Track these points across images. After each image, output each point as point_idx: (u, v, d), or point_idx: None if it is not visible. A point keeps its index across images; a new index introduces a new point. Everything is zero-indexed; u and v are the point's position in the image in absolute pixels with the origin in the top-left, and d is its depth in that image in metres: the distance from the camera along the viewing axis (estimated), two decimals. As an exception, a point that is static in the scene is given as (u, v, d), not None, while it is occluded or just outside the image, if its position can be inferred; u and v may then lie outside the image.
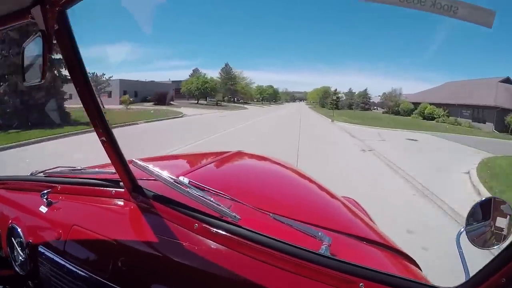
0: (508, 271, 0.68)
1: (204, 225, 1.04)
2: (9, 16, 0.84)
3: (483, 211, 0.94)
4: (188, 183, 1.14)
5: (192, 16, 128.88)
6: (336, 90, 73.87)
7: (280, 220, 1.06)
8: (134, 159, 1.20)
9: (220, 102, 50.88)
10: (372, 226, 1.46)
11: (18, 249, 1.30)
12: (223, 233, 1.01)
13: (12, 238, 1.33)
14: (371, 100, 75.87)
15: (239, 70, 76.95)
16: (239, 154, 2.29)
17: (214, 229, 1.02)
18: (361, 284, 0.84)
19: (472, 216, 0.97)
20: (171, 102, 43.79)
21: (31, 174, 1.60)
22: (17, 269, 1.32)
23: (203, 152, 2.42)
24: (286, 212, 1.16)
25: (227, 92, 70.14)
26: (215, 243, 1.01)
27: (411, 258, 1.24)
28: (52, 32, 0.78)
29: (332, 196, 1.75)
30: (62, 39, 0.82)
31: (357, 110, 70.09)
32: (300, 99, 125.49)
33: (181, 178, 1.16)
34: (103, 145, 1.05)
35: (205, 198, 1.04)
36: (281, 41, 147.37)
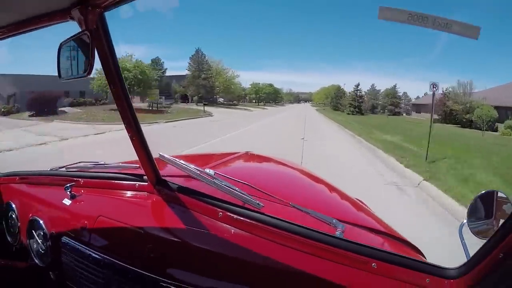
0: (505, 246, 0.74)
1: (229, 213, 1.07)
2: (48, 15, 0.92)
3: (485, 206, 0.94)
4: (214, 174, 1.20)
5: (193, 15, 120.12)
6: (359, 85, 52.66)
7: (299, 208, 1.15)
8: (161, 153, 1.24)
9: (157, 103, 30.83)
10: (379, 219, 1.51)
11: (39, 241, 1.34)
12: (247, 220, 1.05)
13: (33, 231, 1.36)
14: (401, 101, 55.88)
15: (217, 60, 57.72)
16: (249, 154, 2.34)
17: (239, 217, 1.06)
18: (373, 264, 0.90)
19: (474, 211, 0.96)
20: (64, 109, 23.92)
21: (51, 170, 1.63)
22: (36, 260, 1.36)
23: (212, 153, 2.55)
24: (303, 202, 1.24)
25: (199, 89, 50.15)
26: (239, 230, 1.05)
27: (416, 247, 1.29)
28: (94, 32, 0.83)
29: (342, 192, 1.81)
30: (99, 40, 0.85)
31: (384, 114, 50.53)
32: (305, 100, 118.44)
33: (207, 169, 1.23)
34: (131, 140, 1.09)
35: (230, 188, 1.11)
36: (285, 41, 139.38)
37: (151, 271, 1.04)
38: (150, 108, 29.29)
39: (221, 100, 71.04)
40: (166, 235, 1.10)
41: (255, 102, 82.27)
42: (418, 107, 50.65)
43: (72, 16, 0.86)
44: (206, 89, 51.25)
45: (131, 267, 1.07)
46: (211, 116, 29.29)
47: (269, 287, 0.98)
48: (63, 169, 1.61)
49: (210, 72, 53.63)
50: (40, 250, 1.34)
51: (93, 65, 0.83)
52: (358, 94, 52.52)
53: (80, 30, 0.86)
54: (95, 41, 0.84)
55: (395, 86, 55.83)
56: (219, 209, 1.09)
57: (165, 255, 1.08)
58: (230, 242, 1.03)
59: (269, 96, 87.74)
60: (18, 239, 1.50)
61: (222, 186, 1.11)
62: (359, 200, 1.86)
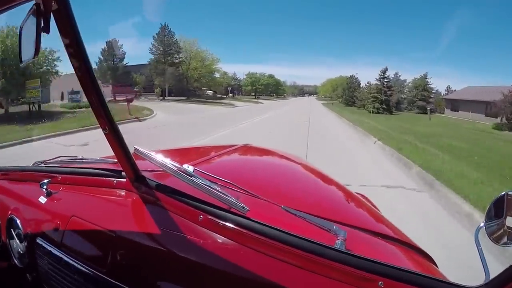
0: None
1: (210, 217, 0.96)
2: None
3: (496, 208, 0.91)
4: (193, 171, 1.06)
5: (197, 10, 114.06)
6: (386, 70, 40.10)
7: (292, 212, 1.02)
8: (136, 147, 1.11)
9: (38, 103, 16.14)
10: (386, 221, 1.39)
11: (17, 241, 1.28)
12: (230, 225, 0.93)
13: (11, 230, 1.31)
14: (432, 94, 43.80)
15: (190, 39, 44.66)
16: (247, 147, 2.20)
17: (221, 222, 0.95)
18: (380, 282, 0.78)
19: (489, 212, 0.94)
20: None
21: (34, 165, 1.60)
22: (16, 261, 1.30)
23: (210, 145, 2.44)
24: (298, 204, 1.09)
25: (167, 78, 37.99)
26: (221, 236, 0.94)
27: (427, 254, 1.20)
28: (49, 10, 0.72)
29: (344, 190, 1.67)
30: (61, 20, 0.75)
31: (412, 112, 38.55)
32: (310, 93, 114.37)
33: (185, 166, 1.09)
34: (105, 134, 0.99)
35: (211, 188, 0.97)
36: (290, 35, 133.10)
37: (123, 281, 0.96)
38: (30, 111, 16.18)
39: (209, 93, 60.20)
40: (141, 240, 1.00)
41: (252, 95, 70.78)
42: (455, 104, 38.71)
43: None
44: (176, 79, 39.47)
45: (102, 276, 0.99)
46: (153, 117, 17.64)
47: None
48: (43, 164, 1.56)
49: (181, 55, 41.73)
50: (19, 250, 1.28)
51: (40, 45, 0.72)
52: (386, 84, 39.50)
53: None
54: (56, 21, 0.73)
55: (425, 75, 43.52)
56: (199, 211, 0.98)
57: (139, 263, 0.98)
58: (211, 250, 0.92)
59: (268, 88, 76.74)
60: (0, 239, 1.40)
61: (201, 185, 0.98)
62: (362, 196, 1.76)
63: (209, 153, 1.88)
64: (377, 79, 40.97)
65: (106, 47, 36.88)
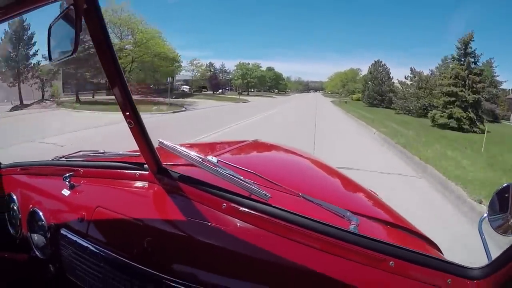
0: None
1: (233, 204, 1.00)
2: None
3: (500, 199, 0.94)
4: (217, 162, 1.11)
5: (201, 5, 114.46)
6: (472, 37, 23.02)
7: (310, 199, 1.07)
8: (161, 140, 1.14)
9: None
10: (394, 212, 1.43)
11: (39, 232, 1.31)
12: (253, 212, 0.97)
13: (33, 222, 1.34)
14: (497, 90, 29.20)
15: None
16: (258, 142, 2.27)
17: (243, 208, 0.98)
18: (391, 262, 0.83)
19: (493, 206, 0.96)
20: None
21: (54, 159, 1.62)
22: (37, 253, 1.33)
23: (222, 140, 2.87)
24: (314, 193, 1.16)
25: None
26: (244, 222, 0.97)
27: (433, 241, 1.23)
28: (81, 10, 0.77)
29: (354, 183, 1.71)
30: (90, 18, 0.80)
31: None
32: (315, 89, 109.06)
33: (209, 157, 1.13)
34: (130, 128, 1.02)
35: (235, 177, 1.01)
36: (295, 30, 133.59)
37: (150, 266, 0.99)
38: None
39: (185, 88, 46.36)
40: (166, 227, 1.04)
41: (243, 92, 56.72)
42: None
43: None
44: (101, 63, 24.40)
45: (129, 262, 1.02)
46: None
47: (275, 284, 0.90)
48: (63, 158, 1.58)
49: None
50: (41, 242, 1.31)
51: (79, 43, 0.78)
52: (473, 69, 20.18)
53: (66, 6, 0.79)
54: (81, 16, 0.77)
55: (491, 60, 28.73)
56: (222, 200, 1.01)
57: (164, 249, 1.02)
58: (234, 235, 0.96)
59: (265, 82, 62.66)
60: (19, 231, 1.46)
61: (226, 175, 1.02)
62: (372, 192, 1.74)
63: (224, 147, 1.85)
64: (454, 57, 21.73)
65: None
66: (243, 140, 2.09)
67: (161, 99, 26.64)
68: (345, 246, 0.86)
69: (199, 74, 49.68)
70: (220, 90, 54.10)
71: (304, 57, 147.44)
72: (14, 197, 1.47)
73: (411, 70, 28.39)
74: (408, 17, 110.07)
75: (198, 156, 1.08)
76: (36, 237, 1.33)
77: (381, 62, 37.36)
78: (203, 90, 53.54)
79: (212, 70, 60.19)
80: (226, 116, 16.19)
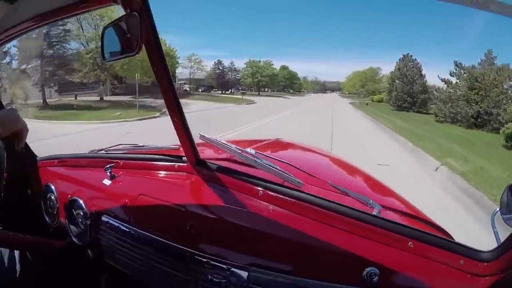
0: None
1: (269, 191, 1.08)
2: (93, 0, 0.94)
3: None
4: (255, 153, 1.23)
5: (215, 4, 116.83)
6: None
7: (337, 187, 1.16)
8: (201, 133, 1.26)
9: None
10: (410, 203, 1.51)
11: (78, 220, 1.36)
12: (287, 198, 1.05)
13: (73, 210, 1.38)
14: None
15: None
16: (280, 141, 2.34)
17: (279, 195, 1.06)
18: (410, 243, 0.91)
19: (505, 200, 0.94)
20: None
21: (91, 152, 1.70)
22: (74, 239, 1.37)
23: (244, 139, 2.49)
24: (340, 183, 1.25)
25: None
26: (279, 208, 1.05)
27: (445, 230, 1.28)
28: (143, 15, 0.85)
29: (373, 177, 1.81)
30: (144, 21, 0.86)
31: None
32: (332, 90, 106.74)
33: (247, 149, 1.26)
34: (173, 123, 1.12)
35: (271, 166, 1.11)
36: (311, 29, 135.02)
37: (192, 248, 1.06)
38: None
39: (187, 88, 42.33)
40: (206, 213, 1.11)
41: (248, 92, 52.02)
42: None
43: (116, 0, 0.89)
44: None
45: (172, 243, 1.09)
46: None
47: (306, 262, 0.97)
48: (102, 151, 1.66)
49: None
50: (79, 229, 1.37)
51: (142, 45, 0.86)
52: None
53: (125, 13, 0.88)
54: (142, 21, 0.85)
55: None
56: (259, 188, 1.09)
57: (205, 232, 1.09)
58: (270, 219, 1.04)
59: (278, 82, 57.72)
60: (56, 220, 1.52)
61: (263, 165, 1.13)
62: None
63: (252, 144, 1.87)
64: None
65: None
66: (265, 138, 2.18)
67: (144, 99, 22.31)
68: (370, 228, 0.94)
69: (205, 72, 45.48)
70: (231, 90, 49.67)
71: (321, 57, 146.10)
72: (52, 187, 1.53)
73: (456, 65, 21.75)
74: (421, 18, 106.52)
75: (238, 148, 1.20)
76: (75, 224, 1.38)
77: (411, 56, 31.21)
78: (213, 89, 49.42)
79: (221, 68, 56.00)
80: (210, 125, 11.58)
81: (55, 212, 1.51)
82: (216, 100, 28.81)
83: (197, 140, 1.22)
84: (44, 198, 1.55)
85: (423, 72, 30.33)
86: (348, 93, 73.29)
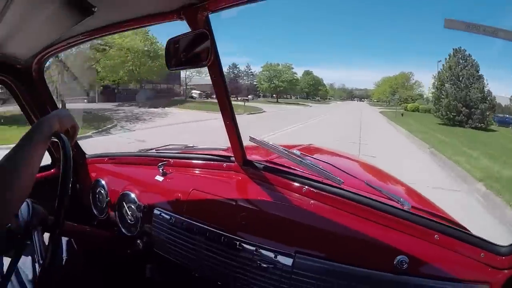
0: None
1: (312, 188, 1.19)
2: (159, 15, 1.04)
3: None
4: (300, 154, 1.36)
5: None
6: None
7: (372, 186, 1.24)
8: (251, 136, 1.38)
9: None
10: (433, 203, 1.60)
11: (129, 212, 1.50)
12: (329, 194, 1.15)
13: (124, 203, 1.52)
14: None
15: None
16: (312, 146, 2.41)
17: (320, 191, 1.17)
18: (436, 235, 0.99)
19: None
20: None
21: (140, 151, 1.86)
22: (123, 230, 1.51)
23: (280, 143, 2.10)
24: (373, 182, 1.46)
25: None
26: (321, 203, 1.16)
27: (465, 227, 1.31)
28: (205, 30, 0.96)
29: (400, 180, 1.90)
30: (212, 37, 0.97)
31: None
32: (360, 97, 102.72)
33: (293, 150, 1.41)
34: (226, 126, 1.23)
35: (314, 166, 1.23)
36: (339, 36, 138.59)
37: (242, 237, 1.16)
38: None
39: (195, 94, 37.93)
40: (255, 207, 1.21)
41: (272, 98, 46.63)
42: None
43: (181, 16, 0.99)
44: None
45: (225, 233, 1.19)
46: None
47: (346, 252, 1.05)
48: (153, 151, 1.79)
49: None
50: (129, 221, 1.49)
51: (212, 57, 0.95)
52: None
53: (190, 29, 0.99)
54: (210, 37, 0.95)
55: None
56: (303, 185, 1.20)
57: (255, 223, 1.18)
58: (313, 212, 1.14)
59: (300, 88, 51.58)
60: (105, 212, 1.64)
61: (308, 164, 1.23)
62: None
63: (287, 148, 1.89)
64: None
65: None
66: (298, 144, 2.22)
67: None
68: (400, 221, 1.04)
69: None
70: (249, 96, 44.36)
71: (348, 64, 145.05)
72: (103, 182, 1.66)
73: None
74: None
75: (285, 150, 1.31)
76: (125, 216, 1.51)
77: (465, 51, 23.55)
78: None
79: (235, 72, 51.17)
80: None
81: (104, 205, 1.65)
82: (212, 109, 23.61)
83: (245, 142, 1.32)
84: (93, 192, 1.70)
85: (480, 73, 22.85)
86: (377, 101, 67.90)
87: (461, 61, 23.53)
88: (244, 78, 52.27)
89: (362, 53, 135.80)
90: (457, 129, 18.36)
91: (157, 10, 1.03)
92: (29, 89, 1.51)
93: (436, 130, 15.63)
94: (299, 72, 63.44)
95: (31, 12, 0.91)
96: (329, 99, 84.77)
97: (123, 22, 1.14)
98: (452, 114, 22.04)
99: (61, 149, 0.85)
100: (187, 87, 39.17)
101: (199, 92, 39.21)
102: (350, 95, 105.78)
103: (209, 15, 0.97)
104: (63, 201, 0.86)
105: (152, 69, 23.58)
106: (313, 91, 68.38)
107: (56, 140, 0.86)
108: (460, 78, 22.50)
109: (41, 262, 0.99)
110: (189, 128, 13.51)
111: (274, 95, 51.66)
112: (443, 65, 24.72)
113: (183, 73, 35.80)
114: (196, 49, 0.98)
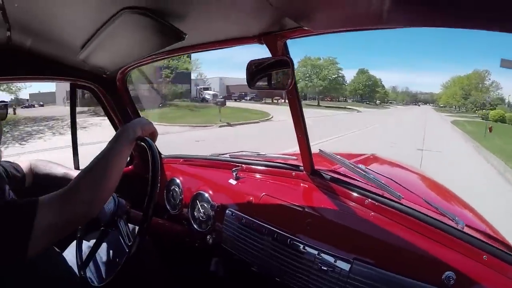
0: None
1: (373, 201, 1.23)
2: (242, 39, 1.13)
3: None
4: (365, 168, 1.42)
5: None
6: None
7: (430, 203, 1.28)
8: (321, 149, 1.53)
9: None
10: (487, 221, 1.66)
11: (201, 210, 1.62)
12: (389, 208, 1.20)
13: (197, 201, 1.64)
14: None
15: None
16: (375, 156, 2.53)
17: (381, 205, 1.22)
18: (484, 256, 1.02)
19: None
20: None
21: (212, 155, 1.95)
22: (195, 225, 1.65)
23: (342, 152, 2.35)
24: (431, 198, 1.48)
25: None
26: (380, 215, 1.21)
27: None
28: (286, 58, 1.03)
29: (458, 197, 1.97)
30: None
31: None
32: (425, 102, 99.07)
33: (359, 165, 1.47)
34: (297, 137, 1.32)
35: (377, 180, 1.28)
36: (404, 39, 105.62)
37: (306, 241, 1.22)
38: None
39: (208, 95, 32.56)
40: (320, 214, 1.28)
41: (313, 101, 39.07)
42: None
43: (261, 41, 1.06)
44: None
45: (291, 236, 1.26)
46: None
47: (399, 263, 1.09)
48: (227, 155, 1.88)
49: None
50: (201, 218, 1.62)
51: (292, 83, 1.03)
52: None
53: (270, 53, 1.07)
54: (291, 65, 1.03)
55: None
56: (366, 198, 1.25)
57: (319, 230, 1.25)
58: (373, 224, 1.19)
59: (336, 88, 42.63)
60: (178, 208, 1.80)
61: (371, 179, 1.29)
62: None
63: (350, 158, 1.99)
64: None
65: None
66: (361, 153, 2.34)
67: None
68: (453, 239, 1.06)
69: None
70: (280, 99, 37.50)
71: (412, 66, 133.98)
72: (178, 181, 1.82)
73: None
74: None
75: (351, 163, 1.40)
76: (196, 213, 1.63)
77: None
78: (247, 97, 38.15)
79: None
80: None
81: (177, 202, 1.80)
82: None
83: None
84: (167, 189, 1.86)
85: None
86: (443, 106, 57.77)
87: None
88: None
89: (427, 51, 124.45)
90: None
91: (239, 35, 1.12)
92: (113, 96, 1.76)
93: None
94: (352, 72, 54.42)
95: (124, 34, 1.00)
96: (390, 103, 73.87)
97: (207, 43, 1.23)
98: None
99: (148, 151, 0.93)
100: (199, 87, 33.41)
101: (213, 93, 32.83)
102: (413, 99, 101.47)
103: (287, 42, 1.05)
104: (153, 197, 0.94)
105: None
106: (369, 93, 58.87)
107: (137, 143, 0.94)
108: None
109: (126, 250, 1.07)
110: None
111: (321, 96, 43.82)
112: None
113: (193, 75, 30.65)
114: (277, 74, 1.07)
